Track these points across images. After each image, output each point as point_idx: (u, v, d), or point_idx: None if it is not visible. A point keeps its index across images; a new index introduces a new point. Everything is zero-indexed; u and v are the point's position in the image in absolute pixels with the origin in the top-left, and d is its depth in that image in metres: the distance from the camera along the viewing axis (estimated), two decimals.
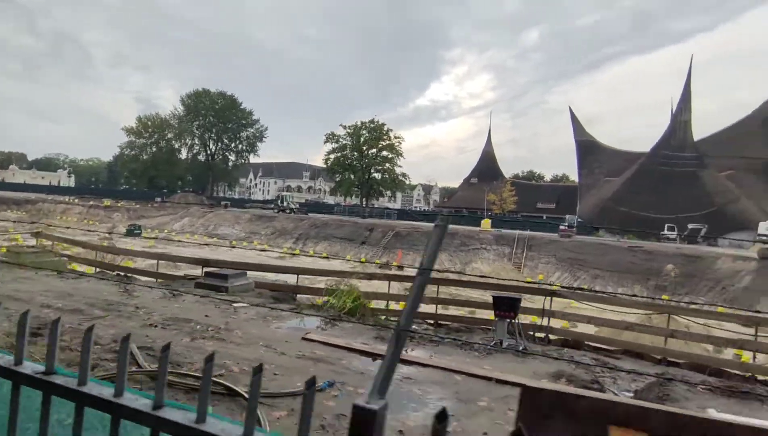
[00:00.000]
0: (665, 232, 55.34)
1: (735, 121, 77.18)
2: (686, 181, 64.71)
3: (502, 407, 3.78)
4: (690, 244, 50.89)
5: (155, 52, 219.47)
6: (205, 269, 9.56)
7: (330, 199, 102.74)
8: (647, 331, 9.65)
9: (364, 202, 72.94)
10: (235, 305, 6.65)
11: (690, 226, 55.67)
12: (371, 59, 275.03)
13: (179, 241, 28.64)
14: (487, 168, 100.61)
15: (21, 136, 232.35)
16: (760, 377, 8.55)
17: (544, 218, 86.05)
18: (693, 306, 14.73)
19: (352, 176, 70.04)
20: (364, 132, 70.24)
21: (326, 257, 37.99)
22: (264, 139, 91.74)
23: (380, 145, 70.39)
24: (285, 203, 57.70)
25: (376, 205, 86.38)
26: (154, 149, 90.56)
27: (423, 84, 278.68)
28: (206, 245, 17.94)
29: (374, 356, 4.89)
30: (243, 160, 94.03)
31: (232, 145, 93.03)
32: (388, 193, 76.94)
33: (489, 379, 4.44)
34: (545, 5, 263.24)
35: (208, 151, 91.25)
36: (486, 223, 47.02)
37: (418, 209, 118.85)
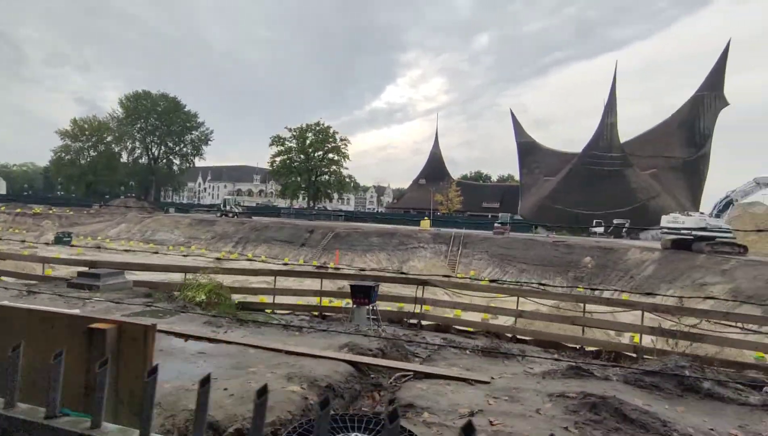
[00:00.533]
0: (593, 227, 59.25)
1: (657, 123, 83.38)
2: (613, 180, 69.32)
3: (265, 371, 4.63)
4: (616, 238, 54.66)
5: (97, 51, 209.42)
6: (79, 269, 9.97)
7: (282, 203, 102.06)
8: (502, 312, 10.91)
9: (311, 205, 73.17)
10: (86, 300, 7.19)
11: (615, 221, 59.71)
12: (326, 62, 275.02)
13: (113, 248, 28.18)
14: (434, 169, 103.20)
15: None
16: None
17: (489, 216, 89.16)
18: (543, 288, 16.35)
19: (298, 179, 70.14)
20: (309, 135, 70.55)
21: (264, 260, 38.17)
22: (210, 142, 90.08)
23: (326, 148, 70.91)
24: (228, 207, 57.18)
25: (329, 208, 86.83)
26: (92, 153, 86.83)
27: (379, 87, 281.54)
28: (129, 250, 17.92)
29: (186, 336, 5.64)
30: (188, 164, 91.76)
31: (177, 148, 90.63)
32: (338, 195, 77.41)
33: (279, 351, 5.29)
34: (495, 12, 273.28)
35: (151, 155, 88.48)
36: (425, 222, 48.60)
37: (371, 211, 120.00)
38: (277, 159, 71.13)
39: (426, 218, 51.67)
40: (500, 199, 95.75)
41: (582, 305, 12.17)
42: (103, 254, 31.14)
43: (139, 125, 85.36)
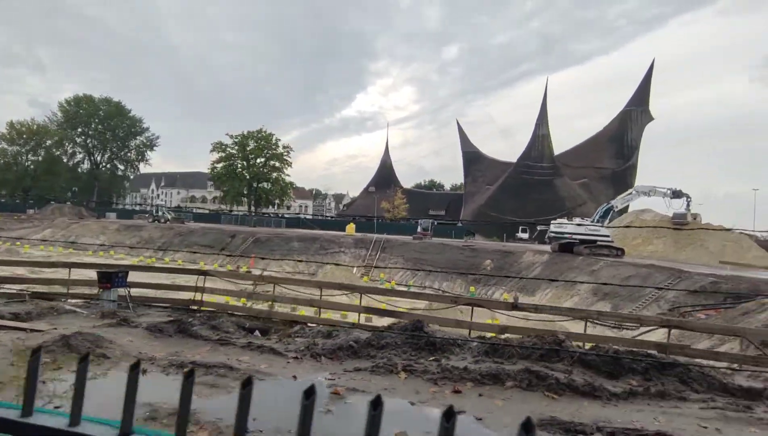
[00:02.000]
0: (519, 233, 62.33)
1: (589, 137, 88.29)
2: (544, 189, 73.00)
3: None
4: (540, 243, 57.75)
5: (54, 52, 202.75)
6: None
7: (240, 210, 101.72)
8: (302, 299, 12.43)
9: (253, 211, 73.65)
10: None
11: (539, 227, 62.92)
12: (296, 68, 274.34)
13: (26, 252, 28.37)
14: (383, 177, 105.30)
15: None
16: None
17: (435, 223, 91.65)
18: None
19: (239, 185, 70.67)
20: (251, 142, 71.30)
21: (180, 264, 38.84)
22: (155, 147, 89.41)
23: (267, 155, 71.78)
24: (160, 213, 57.31)
25: (286, 215, 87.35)
26: (31, 157, 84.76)
27: (349, 95, 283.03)
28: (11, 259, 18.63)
29: None
30: (132, 170, 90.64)
31: (121, 153, 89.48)
32: (283, 202, 78.17)
33: None
34: (463, 23, 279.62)
35: (93, 161, 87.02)
36: (350, 227, 50.17)
37: (328, 218, 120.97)
38: (218, 165, 71.51)
39: (351, 223, 53.27)
40: (446, 207, 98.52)
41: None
42: None
43: (80, 129, 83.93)
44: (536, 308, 9.71)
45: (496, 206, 75.39)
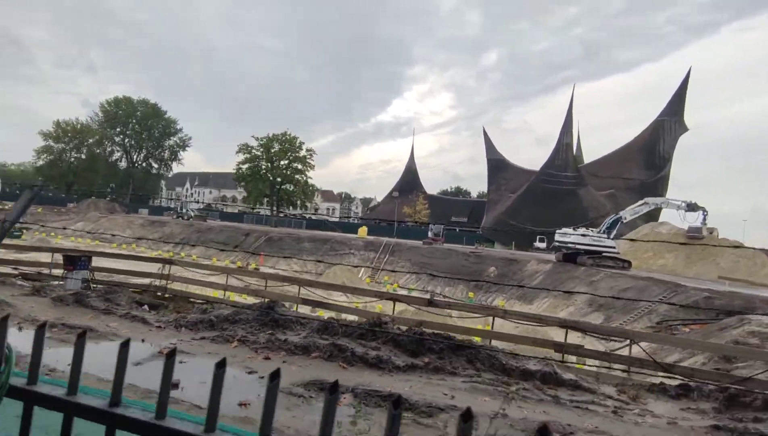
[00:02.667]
0: (537, 243, 61.28)
1: (619, 147, 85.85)
2: (566, 198, 71.49)
3: None
4: (557, 252, 56.71)
5: (105, 55, 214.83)
6: None
7: (265, 210, 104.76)
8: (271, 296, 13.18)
9: (275, 212, 75.65)
10: None
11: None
12: (331, 73, 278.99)
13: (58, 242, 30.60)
14: (408, 182, 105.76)
15: None
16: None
17: (457, 230, 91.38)
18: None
19: (262, 186, 72.79)
20: (275, 144, 73.38)
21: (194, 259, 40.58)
22: (187, 147, 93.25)
23: (291, 157, 73.64)
24: (183, 210, 59.84)
25: (313, 217, 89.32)
26: (74, 155, 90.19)
27: (385, 100, 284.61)
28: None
29: None
30: (166, 169, 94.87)
31: (156, 152, 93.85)
32: (304, 203, 79.93)
33: None
34: (503, 30, 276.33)
35: (129, 159, 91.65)
36: (362, 230, 50.89)
37: (353, 221, 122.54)
38: (243, 166, 73.92)
39: (364, 226, 54.03)
40: (468, 214, 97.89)
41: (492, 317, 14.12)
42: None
43: (118, 129, 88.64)
44: (449, 305, 10.03)
45: (516, 215, 74.44)
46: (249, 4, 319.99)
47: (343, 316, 10.22)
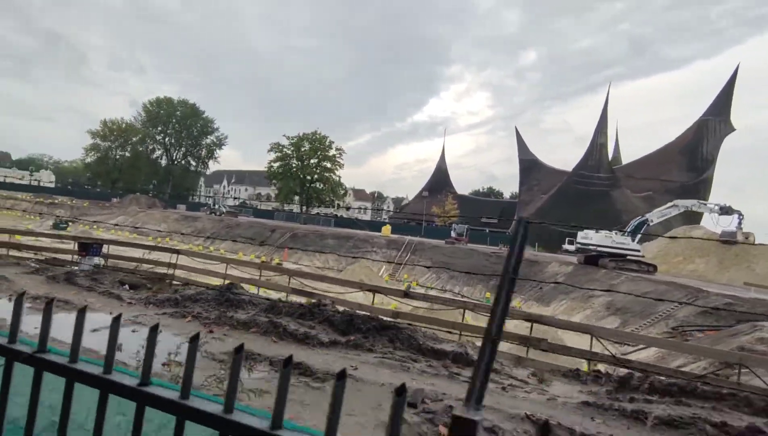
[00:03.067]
0: (565, 245, 59.83)
1: (658, 148, 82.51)
2: (598, 200, 69.46)
3: None
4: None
5: (153, 56, 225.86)
6: None
7: (295, 208, 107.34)
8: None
9: (304, 209, 77.25)
10: None
11: None
12: (368, 72, 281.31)
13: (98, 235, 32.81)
14: (438, 182, 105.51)
15: (14, 135, 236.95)
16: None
17: (487, 230, 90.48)
18: None
19: (292, 184, 74.49)
20: (305, 143, 74.93)
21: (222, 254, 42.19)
22: (223, 146, 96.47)
23: (320, 156, 75.02)
24: (216, 206, 62.15)
25: (344, 215, 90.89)
26: (119, 152, 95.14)
27: (421, 99, 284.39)
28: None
29: None
30: (203, 166, 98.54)
31: (194, 151, 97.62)
32: (335, 201, 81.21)
33: None
34: (543, 28, 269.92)
35: (169, 157, 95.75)
36: (386, 229, 51.34)
37: (382, 220, 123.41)
38: (275, 164, 75.87)
39: (387, 225, 54.45)
40: (499, 215, 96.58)
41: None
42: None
43: (159, 128, 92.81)
44: (424, 297, 10.29)
45: (546, 216, 72.86)
46: (289, 6, 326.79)
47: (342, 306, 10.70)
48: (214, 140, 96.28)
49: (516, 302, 31.18)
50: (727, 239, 34.48)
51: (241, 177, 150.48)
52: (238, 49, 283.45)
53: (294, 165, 75.01)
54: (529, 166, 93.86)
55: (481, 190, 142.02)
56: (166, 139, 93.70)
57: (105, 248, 14.86)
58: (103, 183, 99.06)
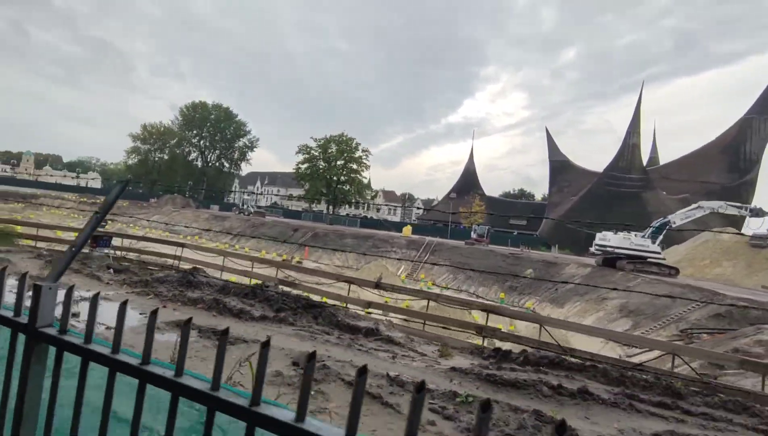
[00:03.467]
0: (592, 248, 58.32)
1: (697, 148, 79.04)
2: (629, 202, 67.30)
3: None
4: None
5: (192, 61, 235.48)
6: None
7: (323, 208, 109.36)
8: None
9: (331, 210, 78.62)
10: None
11: None
12: (402, 74, 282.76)
13: (133, 232, 35.00)
14: (466, 184, 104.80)
15: (64, 139, 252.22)
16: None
17: (515, 233, 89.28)
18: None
19: (319, 185, 76.02)
20: (332, 145, 76.35)
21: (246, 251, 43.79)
22: (255, 148, 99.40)
23: (346, 158, 76.26)
24: (245, 207, 64.32)
25: (374, 216, 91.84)
26: (158, 155, 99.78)
27: (456, 100, 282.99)
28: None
29: None
30: (236, 168, 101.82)
31: (227, 153, 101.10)
32: (354, 200, 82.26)
33: None
34: (584, 24, 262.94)
35: (204, 159, 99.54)
36: (407, 229, 51.74)
37: (408, 222, 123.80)
38: (302, 166, 77.64)
39: (408, 225, 54.81)
40: (528, 217, 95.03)
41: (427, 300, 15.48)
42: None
43: (195, 131, 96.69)
44: (393, 288, 10.71)
45: (575, 218, 71.22)
46: (325, 10, 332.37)
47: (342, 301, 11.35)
48: (246, 143, 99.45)
49: (529, 303, 31.02)
50: (757, 243, 33.08)
51: (274, 178, 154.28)
52: (274, 53, 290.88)
53: (321, 166, 76.51)
54: (560, 167, 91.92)
55: (511, 191, 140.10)
56: (201, 141, 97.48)
57: (118, 242, 16.14)
58: (143, 184, 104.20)
